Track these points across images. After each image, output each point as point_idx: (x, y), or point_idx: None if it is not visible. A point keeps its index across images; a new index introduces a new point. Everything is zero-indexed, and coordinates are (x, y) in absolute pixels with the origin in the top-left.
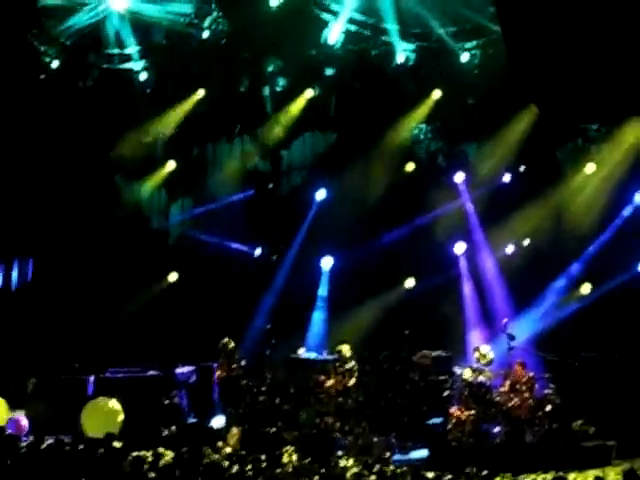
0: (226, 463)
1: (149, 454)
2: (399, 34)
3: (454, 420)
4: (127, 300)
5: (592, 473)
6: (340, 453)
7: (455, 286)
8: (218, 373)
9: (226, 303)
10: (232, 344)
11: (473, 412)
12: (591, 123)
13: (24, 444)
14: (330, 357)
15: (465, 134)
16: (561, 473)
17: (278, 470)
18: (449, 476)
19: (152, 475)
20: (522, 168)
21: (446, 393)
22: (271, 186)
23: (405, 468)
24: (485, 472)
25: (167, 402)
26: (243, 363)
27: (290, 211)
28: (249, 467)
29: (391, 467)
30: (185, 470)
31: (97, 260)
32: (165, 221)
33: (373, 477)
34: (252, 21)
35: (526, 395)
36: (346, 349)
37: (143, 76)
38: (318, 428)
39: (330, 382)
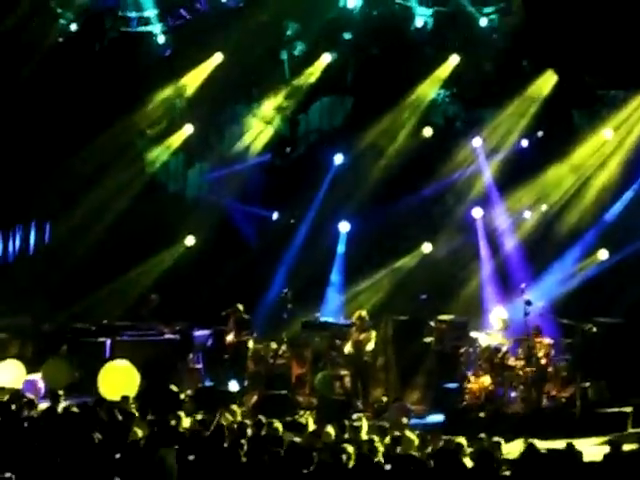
0: (244, 424)
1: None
2: None
3: (470, 385)
4: (144, 263)
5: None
6: (356, 417)
7: (472, 251)
8: (228, 338)
9: (243, 267)
10: (241, 309)
11: (489, 377)
12: (609, 89)
13: (41, 406)
14: (347, 321)
15: (483, 99)
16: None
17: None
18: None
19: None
20: (540, 133)
21: (462, 358)
22: (289, 150)
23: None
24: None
25: (184, 365)
26: (254, 333)
27: (308, 175)
28: (264, 431)
29: (406, 431)
30: (202, 433)
31: (115, 223)
32: (183, 185)
33: (387, 440)
34: None
35: (543, 361)
36: (363, 313)
37: (161, 39)
38: (334, 392)
39: (347, 346)
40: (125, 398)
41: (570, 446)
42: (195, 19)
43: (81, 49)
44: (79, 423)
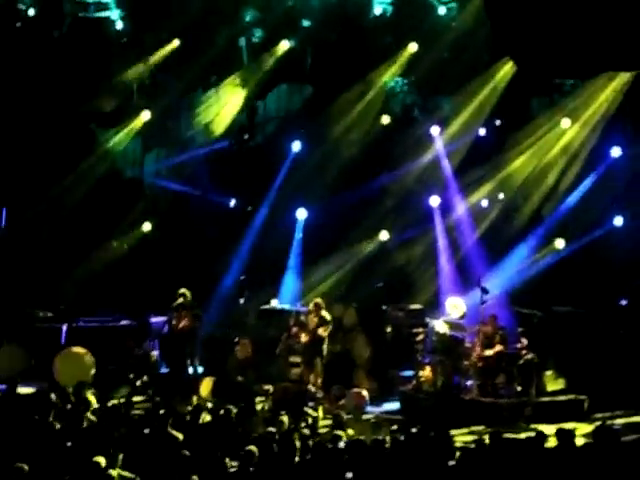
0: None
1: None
2: None
3: (426, 373)
4: (100, 249)
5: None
6: (312, 404)
7: (429, 239)
8: (179, 324)
9: (200, 253)
10: (188, 294)
11: (445, 365)
12: (566, 78)
13: None
14: (303, 308)
15: (441, 87)
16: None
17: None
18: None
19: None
20: (498, 122)
21: (418, 346)
22: (246, 137)
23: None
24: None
25: (140, 352)
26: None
27: (265, 162)
28: (221, 417)
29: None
30: (157, 420)
31: (71, 209)
32: (139, 171)
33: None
34: None
35: (499, 349)
36: (319, 301)
37: (119, 25)
38: (290, 379)
39: (303, 334)
40: (81, 384)
41: (540, 434)
42: (153, 4)
43: (39, 34)
44: (34, 408)
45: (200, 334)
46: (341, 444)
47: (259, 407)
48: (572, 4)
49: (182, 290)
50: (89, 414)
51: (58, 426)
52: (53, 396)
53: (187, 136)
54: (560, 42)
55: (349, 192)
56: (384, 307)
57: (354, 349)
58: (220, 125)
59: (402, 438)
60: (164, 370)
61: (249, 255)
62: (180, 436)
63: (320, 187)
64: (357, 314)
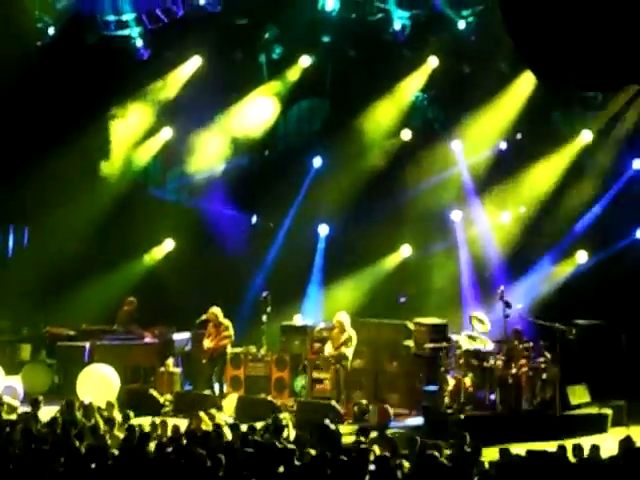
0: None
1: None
2: (395, 2)
3: (450, 388)
4: (123, 267)
5: (587, 441)
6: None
7: (451, 253)
8: (206, 343)
9: (222, 271)
10: (219, 313)
11: (468, 380)
12: (588, 90)
13: (20, 411)
14: (326, 324)
15: (462, 102)
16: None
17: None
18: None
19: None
20: (519, 136)
21: (442, 361)
22: (267, 153)
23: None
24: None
25: (163, 369)
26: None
27: (286, 179)
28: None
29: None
30: (181, 439)
31: (94, 227)
32: (162, 188)
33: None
34: None
35: (522, 363)
36: (343, 316)
37: (139, 43)
38: (314, 395)
39: (326, 349)
40: (110, 404)
41: (561, 448)
42: (173, 22)
43: (60, 53)
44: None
45: (227, 352)
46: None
47: (283, 424)
48: (594, 17)
49: (212, 309)
50: (115, 431)
51: (78, 444)
52: (78, 414)
53: (208, 153)
54: (581, 55)
55: (371, 207)
56: (407, 322)
57: (378, 364)
58: (241, 142)
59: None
60: (188, 387)
61: (271, 271)
62: (203, 453)
63: (341, 202)
64: (380, 329)
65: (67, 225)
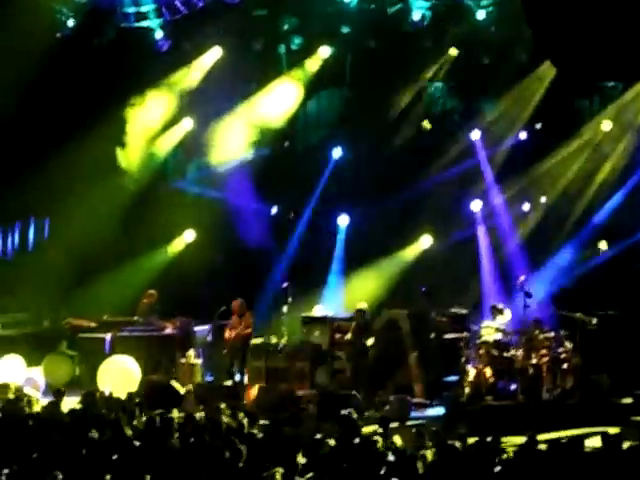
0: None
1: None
2: None
3: (470, 378)
4: (144, 258)
5: (609, 431)
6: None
7: (472, 243)
8: (228, 334)
9: (242, 262)
10: (243, 304)
11: (489, 370)
12: (608, 80)
13: (42, 403)
14: (347, 315)
15: (481, 92)
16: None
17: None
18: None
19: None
20: (538, 125)
21: (462, 351)
22: (287, 144)
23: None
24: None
25: (183, 360)
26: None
27: (306, 169)
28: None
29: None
30: (202, 430)
31: (114, 219)
32: (182, 179)
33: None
34: None
35: (543, 352)
36: (364, 306)
37: (159, 34)
38: (335, 386)
39: (346, 340)
40: (131, 396)
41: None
42: (193, 14)
43: (79, 45)
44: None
45: (250, 343)
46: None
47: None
48: (614, 6)
49: (236, 300)
50: (136, 423)
51: (96, 435)
52: (99, 406)
53: (228, 144)
54: (601, 44)
55: (391, 198)
56: (428, 312)
57: (399, 355)
58: (261, 133)
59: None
60: (209, 378)
61: (292, 262)
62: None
63: (361, 193)
64: (404, 319)
65: (87, 217)
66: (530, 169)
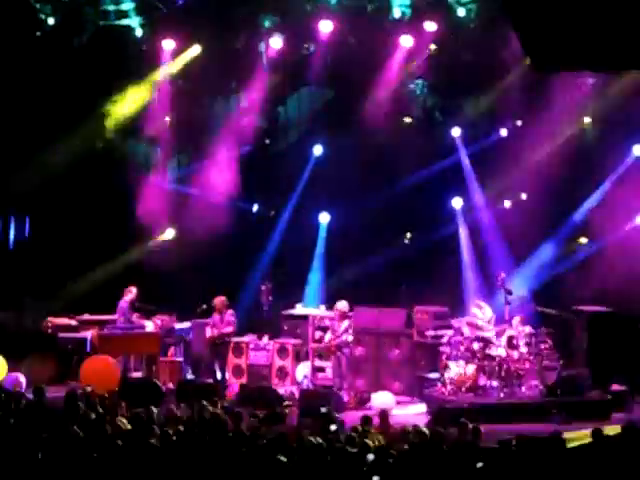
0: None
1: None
2: None
3: (452, 375)
4: (124, 256)
5: (590, 427)
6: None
7: (452, 241)
8: (209, 331)
9: (223, 259)
10: (224, 302)
11: (471, 367)
12: (587, 76)
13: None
14: (327, 312)
15: (461, 89)
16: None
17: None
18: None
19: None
20: (519, 122)
21: (444, 348)
22: (268, 142)
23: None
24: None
25: (164, 358)
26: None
27: (287, 167)
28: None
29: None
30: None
31: (94, 216)
32: (162, 177)
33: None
34: None
35: (524, 350)
36: (343, 305)
37: (139, 32)
38: (316, 383)
39: (327, 338)
40: (113, 393)
41: (555, 434)
42: (172, 11)
43: (59, 43)
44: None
45: (231, 341)
46: (370, 456)
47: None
48: (590, 3)
49: (218, 298)
50: (117, 420)
51: (81, 434)
52: (81, 405)
53: (208, 142)
54: (581, 41)
55: (371, 195)
56: (408, 309)
57: (380, 352)
58: (240, 130)
59: (429, 442)
60: (190, 376)
61: (272, 260)
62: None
63: (342, 191)
64: (382, 316)
65: (68, 215)
66: (511, 165)
